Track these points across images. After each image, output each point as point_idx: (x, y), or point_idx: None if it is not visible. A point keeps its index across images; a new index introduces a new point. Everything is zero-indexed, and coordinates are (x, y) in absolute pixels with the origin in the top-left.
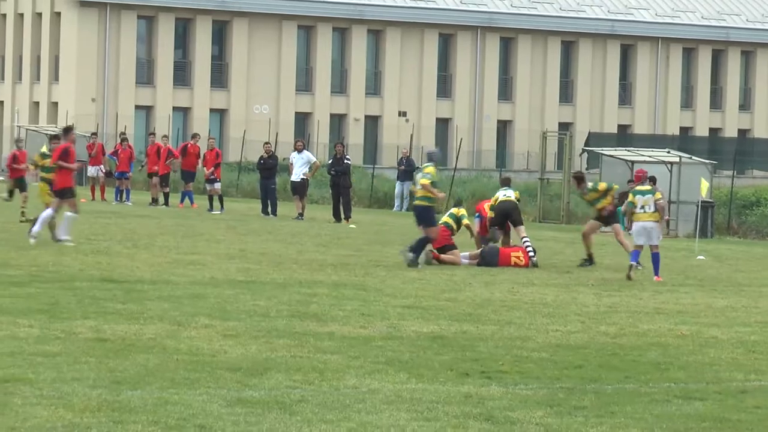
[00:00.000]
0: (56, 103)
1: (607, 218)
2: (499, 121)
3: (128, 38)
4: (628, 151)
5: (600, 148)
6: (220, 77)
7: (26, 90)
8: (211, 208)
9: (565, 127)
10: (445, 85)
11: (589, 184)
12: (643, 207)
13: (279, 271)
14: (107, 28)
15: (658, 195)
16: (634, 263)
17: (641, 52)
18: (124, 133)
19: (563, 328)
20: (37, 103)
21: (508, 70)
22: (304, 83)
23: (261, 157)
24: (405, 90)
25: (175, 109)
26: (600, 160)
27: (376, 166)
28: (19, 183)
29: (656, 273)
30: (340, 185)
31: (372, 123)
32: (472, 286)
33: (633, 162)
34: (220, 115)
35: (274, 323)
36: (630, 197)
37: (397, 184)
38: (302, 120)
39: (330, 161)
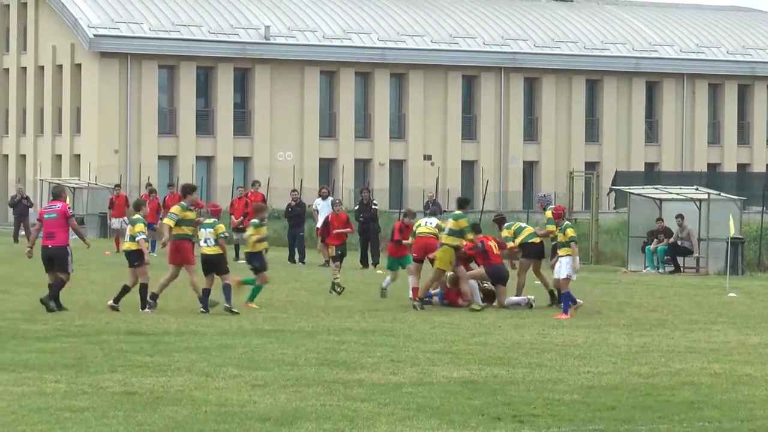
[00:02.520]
0: (78, 156)
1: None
2: (525, 162)
3: (150, 88)
4: (656, 189)
5: (628, 187)
6: (242, 125)
7: (48, 143)
8: (238, 257)
9: (591, 166)
10: (469, 127)
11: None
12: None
13: (307, 319)
14: (128, 78)
15: (570, 232)
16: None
17: (667, 88)
18: (150, 184)
19: (595, 369)
20: (59, 156)
21: (532, 110)
22: (328, 129)
23: (289, 205)
24: (429, 133)
25: (198, 158)
26: (628, 199)
27: (402, 210)
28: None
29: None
30: (369, 231)
31: (397, 167)
32: (502, 330)
33: (661, 200)
34: (243, 163)
35: (302, 372)
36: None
37: None
38: (326, 166)
39: (356, 207)
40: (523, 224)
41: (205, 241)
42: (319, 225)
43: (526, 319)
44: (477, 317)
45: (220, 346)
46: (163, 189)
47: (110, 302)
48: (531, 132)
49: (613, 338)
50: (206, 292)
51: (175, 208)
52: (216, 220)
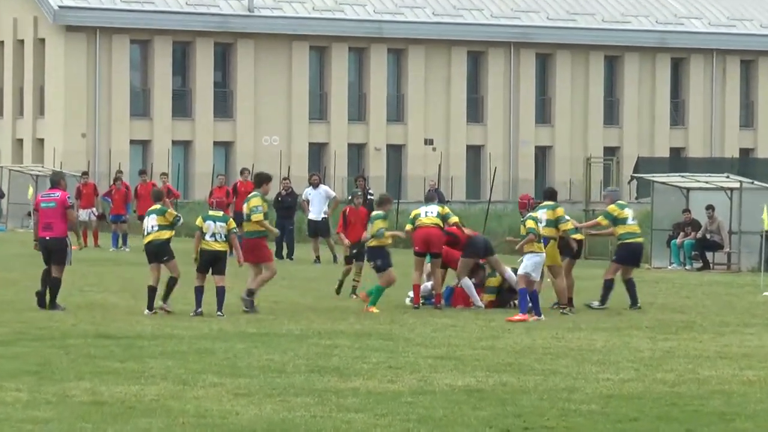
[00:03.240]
0: (42, 140)
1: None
2: (537, 147)
3: (121, 66)
4: (683, 177)
5: (651, 175)
6: (224, 106)
7: (8, 126)
8: None
9: (611, 151)
10: (475, 109)
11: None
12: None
13: (295, 321)
14: (97, 54)
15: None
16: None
17: (694, 65)
18: (120, 171)
19: (615, 376)
20: (20, 141)
21: (545, 90)
22: (318, 110)
23: (278, 194)
24: (431, 115)
25: (174, 143)
26: (651, 188)
27: (401, 201)
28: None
29: (537, 313)
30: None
31: (395, 153)
32: (512, 333)
33: (688, 189)
34: (225, 148)
35: (290, 380)
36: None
37: None
38: (317, 151)
39: (350, 197)
40: (566, 216)
41: (213, 236)
42: (310, 217)
43: (539, 320)
44: (484, 319)
45: (199, 351)
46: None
47: (154, 309)
48: (544, 114)
49: (636, 342)
50: (199, 290)
51: (258, 200)
52: (224, 213)
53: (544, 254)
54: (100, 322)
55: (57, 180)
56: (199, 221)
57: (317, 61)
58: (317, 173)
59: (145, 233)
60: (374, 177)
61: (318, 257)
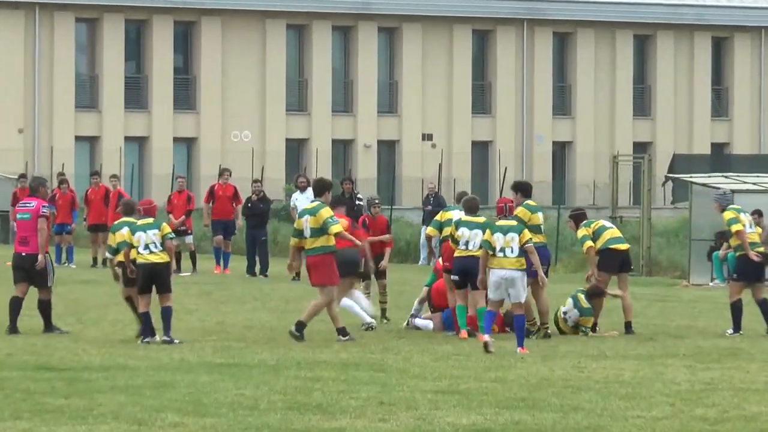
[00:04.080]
0: None
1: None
2: (554, 143)
3: (65, 48)
4: (726, 177)
5: (689, 175)
6: (186, 96)
7: None
8: (179, 268)
9: (641, 147)
10: (482, 98)
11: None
12: (503, 249)
13: (270, 349)
14: (37, 35)
15: (527, 234)
16: (485, 337)
17: (739, 46)
18: (62, 173)
19: (647, 413)
20: None
21: (565, 75)
22: (297, 101)
23: (248, 200)
24: (430, 106)
25: (128, 139)
26: (689, 191)
27: (394, 206)
28: None
29: (520, 344)
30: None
31: (387, 150)
32: (525, 362)
33: (733, 192)
34: (187, 145)
35: (265, 418)
36: (487, 234)
37: (423, 230)
38: (296, 149)
39: (367, 205)
40: (607, 223)
41: (147, 247)
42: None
43: (557, 347)
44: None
45: (157, 385)
46: (83, 180)
47: (156, 339)
48: (563, 104)
49: (671, 372)
50: (146, 316)
51: (329, 210)
52: (155, 219)
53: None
54: (41, 351)
55: (35, 187)
56: (126, 235)
57: (296, 43)
58: (304, 174)
59: (142, 251)
60: (363, 179)
61: (298, 273)
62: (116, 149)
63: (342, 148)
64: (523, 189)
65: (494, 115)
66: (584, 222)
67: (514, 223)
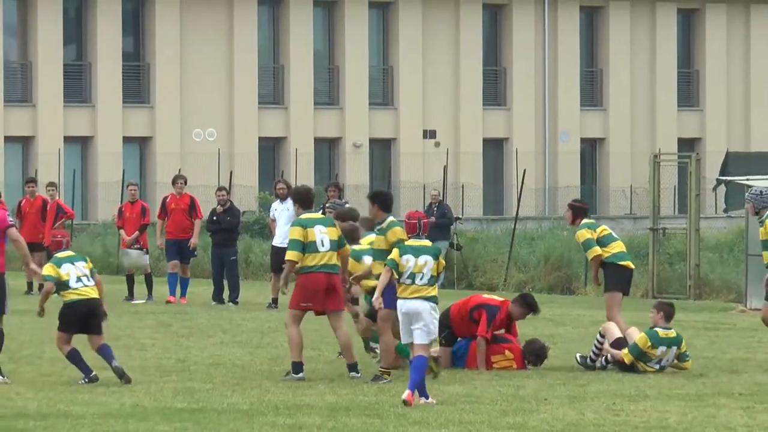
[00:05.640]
0: None
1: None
2: (583, 141)
3: None
4: None
5: (745, 177)
6: (136, 86)
7: None
8: (131, 295)
9: (688, 145)
10: (495, 86)
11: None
12: (413, 275)
13: (242, 391)
14: None
15: (442, 262)
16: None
17: None
18: None
19: None
20: None
21: (594, 58)
22: (273, 91)
23: (212, 213)
24: (432, 96)
25: (68, 139)
26: (746, 197)
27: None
28: None
29: (411, 387)
30: None
31: (381, 150)
32: (550, 404)
33: None
34: (138, 145)
35: None
36: (394, 254)
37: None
38: (270, 149)
39: (320, 210)
40: (614, 234)
41: (80, 280)
42: (274, 242)
43: (588, 386)
44: (512, 386)
45: None
46: (14, 189)
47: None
48: (592, 93)
49: (725, 415)
50: (76, 354)
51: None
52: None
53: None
54: None
55: None
56: (51, 270)
57: (269, 18)
58: (284, 180)
59: (75, 285)
60: (353, 185)
61: (275, 300)
62: (53, 152)
63: (327, 148)
64: (379, 200)
65: (509, 108)
66: (586, 222)
67: (426, 243)
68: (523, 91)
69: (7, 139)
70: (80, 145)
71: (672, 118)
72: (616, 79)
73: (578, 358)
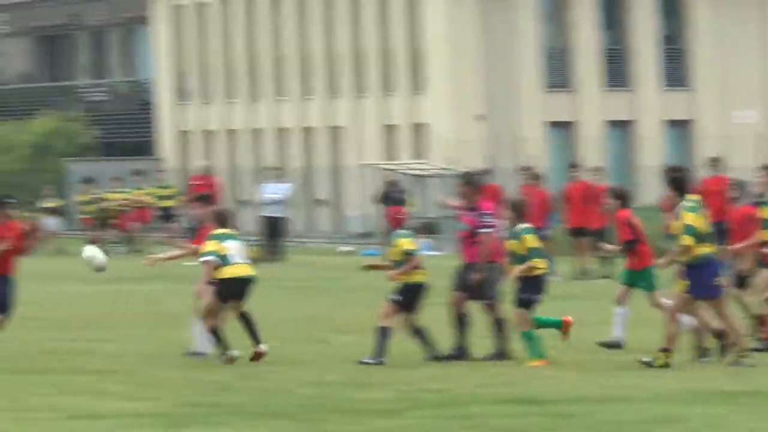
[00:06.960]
0: (421, 125)
1: None
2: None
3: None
4: None
5: None
6: (677, 71)
7: (372, 106)
8: None
9: None
10: (560, 62)
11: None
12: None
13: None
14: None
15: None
16: None
17: None
18: (530, 167)
19: None
20: (392, 127)
21: (678, 34)
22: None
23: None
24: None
25: (608, 124)
26: None
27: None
28: None
29: None
30: None
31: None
32: None
33: None
34: (679, 129)
35: None
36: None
37: None
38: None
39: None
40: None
41: None
42: None
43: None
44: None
45: (662, 420)
46: (558, 174)
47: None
48: (678, 70)
49: None
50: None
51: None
52: None
53: None
54: (516, 381)
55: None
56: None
57: None
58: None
59: None
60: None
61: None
62: (596, 135)
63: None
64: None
65: (575, 90)
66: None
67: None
68: (589, 66)
69: (548, 124)
70: (621, 129)
71: None
72: (705, 53)
73: None
